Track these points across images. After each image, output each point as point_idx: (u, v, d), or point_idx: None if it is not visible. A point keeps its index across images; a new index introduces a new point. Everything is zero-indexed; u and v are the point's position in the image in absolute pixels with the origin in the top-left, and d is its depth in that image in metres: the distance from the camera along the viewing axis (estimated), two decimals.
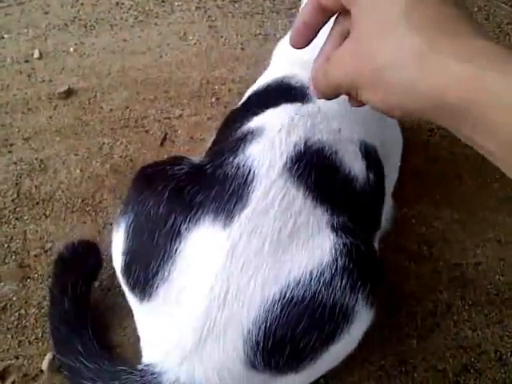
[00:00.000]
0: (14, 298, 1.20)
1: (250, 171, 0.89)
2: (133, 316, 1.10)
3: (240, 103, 1.22)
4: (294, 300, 0.82)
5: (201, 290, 0.83)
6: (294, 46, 0.77)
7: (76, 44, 1.68)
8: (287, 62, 1.18)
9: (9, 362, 1.12)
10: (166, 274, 0.86)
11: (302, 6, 0.84)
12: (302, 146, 0.93)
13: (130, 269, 0.91)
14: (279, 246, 0.84)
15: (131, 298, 0.94)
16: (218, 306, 0.82)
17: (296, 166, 0.90)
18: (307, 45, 0.76)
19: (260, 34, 1.70)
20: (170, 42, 1.69)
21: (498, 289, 1.24)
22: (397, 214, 1.29)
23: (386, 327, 1.17)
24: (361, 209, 0.99)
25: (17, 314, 1.18)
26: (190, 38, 1.69)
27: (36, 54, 1.64)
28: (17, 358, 1.13)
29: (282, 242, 0.85)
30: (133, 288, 0.91)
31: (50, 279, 1.20)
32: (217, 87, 1.57)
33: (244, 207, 0.86)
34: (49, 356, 1.11)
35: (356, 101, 0.67)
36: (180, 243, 0.86)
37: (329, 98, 0.75)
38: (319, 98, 0.76)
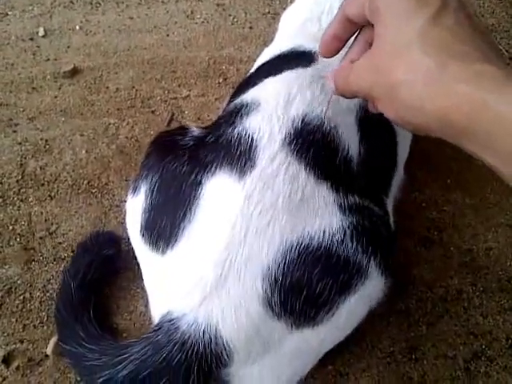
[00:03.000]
0: (19, 282, 1.19)
1: (252, 139, 0.91)
2: (138, 300, 1.13)
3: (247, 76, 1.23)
4: (310, 248, 0.84)
5: (223, 228, 0.85)
6: (324, 56, 0.81)
7: (81, 22, 1.66)
8: (292, 33, 1.22)
9: (13, 346, 1.12)
10: (193, 214, 0.89)
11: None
12: (300, 123, 0.93)
13: (154, 223, 0.93)
14: (292, 205, 0.86)
15: (151, 256, 0.95)
16: (239, 242, 0.84)
17: (295, 141, 0.91)
18: (336, 54, 0.79)
19: (269, 12, 1.67)
20: (178, 20, 1.66)
21: (509, 275, 1.22)
22: (406, 198, 1.28)
23: (395, 313, 1.16)
24: (365, 179, 0.99)
25: (21, 298, 1.17)
26: (198, 16, 1.67)
27: (41, 32, 1.62)
28: (21, 342, 1.12)
29: (294, 203, 0.86)
30: (156, 241, 0.93)
31: (55, 262, 1.21)
32: (224, 67, 1.55)
33: (254, 167, 0.88)
34: (53, 340, 1.10)
35: (373, 107, 0.70)
36: (202, 190, 0.89)
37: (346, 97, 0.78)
38: (336, 94, 0.79)
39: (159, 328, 0.87)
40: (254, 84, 1.04)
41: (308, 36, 1.16)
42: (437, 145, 1.39)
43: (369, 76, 0.66)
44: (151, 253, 0.94)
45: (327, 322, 0.87)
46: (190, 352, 0.83)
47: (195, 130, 1.02)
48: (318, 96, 0.97)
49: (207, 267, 0.84)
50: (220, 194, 0.89)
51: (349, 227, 0.87)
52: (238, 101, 1.02)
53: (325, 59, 0.90)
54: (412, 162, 1.26)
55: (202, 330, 0.83)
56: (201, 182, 0.90)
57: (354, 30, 0.75)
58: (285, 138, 0.90)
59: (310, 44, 1.11)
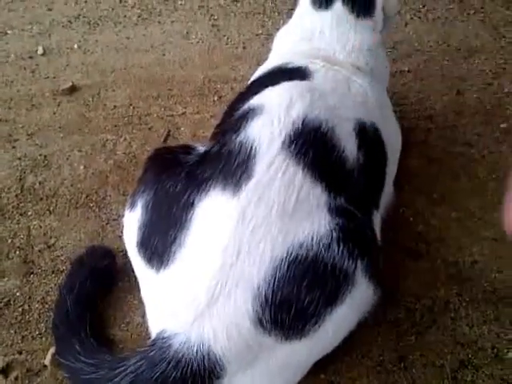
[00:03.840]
0: (18, 294, 1.21)
1: (251, 147, 0.95)
2: (135, 311, 1.16)
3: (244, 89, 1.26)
4: (299, 258, 0.88)
5: (215, 251, 0.88)
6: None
7: (80, 41, 1.70)
8: (285, 51, 1.26)
9: (12, 357, 1.13)
10: (183, 239, 0.92)
11: None
12: (300, 124, 0.97)
13: (148, 240, 0.97)
14: (285, 213, 0.90)
15: (147, 271, 0.98)
16: (230, 264, 0.87)
17: (295, 144, 0.95)
18: None
19: (262, 33, 1.72)
20: (173, 40, 1.70)
21: (494, 286, 1.25)
22: (395, 212, 1.31)
23: (385, 323, 1.19)
24: (356, 185, 1.03)
25: (20, 310, 1.19)
26: (193, 36, 1.71)
27: (40, 51, 1.66)
28: (20, 353, 1.14)
29: (287, 210, 0.90)
30: (150, 259, 0.96)
31: (54, 275, 1.23)
32: (219, 86, 1.59)
33: (249, 178, 0.92)
34: (51, 351, 1.12)
35: None
36: (193, 213, 0.93)
37: None
38: None
39: (153, 344, 0.91)
40: (256, 93, 1.08)
41: (301, 54, 1.20)
42: (424, 163, 1.43)
43: None
44: (147, 268, 0.97)
45: (315, 334, 0.90)
46: (184, 370, 0.87)
47: (201, 148, 1.06)
48: (316, 101, 1.02)
49: (199, 290, 0.88)
50: (212, 214, 0.92)
51: (335, 229, 0.91)
52: (245, 106, 1.05)
53: (319, 77, 1.02)
54: (400, 178, 1.30)
55: (195, 348, 0.87)
56: (193, 203, 0.94)
57: None
58: (284, 141, 0.95)
59: (302, 61, 1.16)
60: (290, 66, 1.16)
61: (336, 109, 1.04)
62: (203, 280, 0.88)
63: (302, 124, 0.97)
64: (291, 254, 0.88)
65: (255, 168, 0.92)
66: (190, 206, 0.94)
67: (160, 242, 0.95)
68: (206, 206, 0.93)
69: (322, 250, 0.89)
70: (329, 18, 1.23)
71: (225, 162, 0.95)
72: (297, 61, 1.16)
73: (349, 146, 1.02)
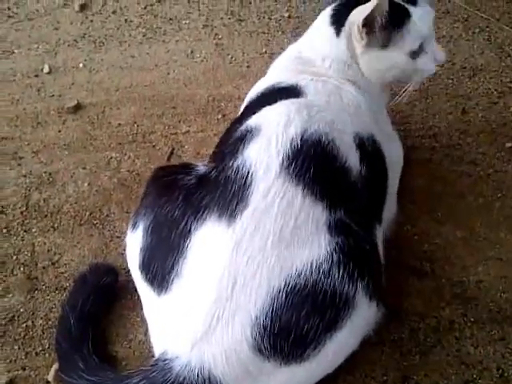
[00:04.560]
0: (22, 310, 1.21)
1: (248, 173, 0.95)
2: (138, 328, 1.16)
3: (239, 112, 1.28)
4: (297, 288, 0.88)
5: (210, 282, 0.89)
6: None
7: (85, 60, 1.71)
8: (277, 70, 1.28)
9: (15, 372, 1.13)
10: (180, 268, 0.93)
11: None
12: (299, 141, 0.97)
13: (149, 264, 0.98)
14: (282, 242, 0.90)
15: (148, 293, 0.99)
16: (226, 296, 0.88)
17: (293, 163, 0.95)
18: None
19: (266, 52, 1.73)
20: (178, 59, 1.72)
21: (499, 306, 1.24)
22: (399, 230, 1.31)
23: (388, 343, 1.18)
24: (358, 199, 1.03)
25: (24, 326, 1.19)
26: (197, 55, 1.72)
27: (46, 69, 1.67)
28: (23, 369, 1.14)
29: (284, 238, 0.90)
30: (151, 282, 0.98)
31: (57, 291, 1.23)
32: (223, 104, 1.60)
33: (245, 208, 0.92)
34: (55, 367, 1.11)
35: None
36: (190, 241, 0.94)
37: None
38: None
39: (155, 364, 0.92)
40: (253, 113, 1.08)
41: (289, 69, 1.22)
42: (428, 180, 1.43)
43: None
44: (149, 290, 0.98)
45: (315, 358, 0.91)
46: None
47: (201, 168, 1.06)
48: (314, 115, 1.02)
49: (197, 318, 0.89)
50: (208, 245, 0.92)
51: (335, 250, 0.90)
52: (243, 127, 1.05)
53: (312, 93, 1.06)
54: (404, 196, 1.30)
55: (195, 372, 0.88)
56: (190, 230, 0.94)
57: None
58: (282, 162, 0.94)
59: (293, 78, 1.16)
60: (283, 84, 1.16)
61: (334, 123, 1.04)
62: (200, 311, 0.89)
63: (301, 140, 0.97)
64: (289, 283, 0.88)
65: (251, 196, 0.92)
66: (187, 233, 0.94)
67: (160, 268, 0.96)
68: (202, 235, 0.93)
69: (322, 276, 0.89)
70: (317, 31, 1.25)
71: (221, 190, 0.96)
72: (288, 78, 1.17)
73: (351, 157, 1.03)
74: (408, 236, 1.34)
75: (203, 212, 0.95)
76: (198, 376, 0.88)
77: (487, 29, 1.80)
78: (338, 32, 1.18)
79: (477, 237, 1.35)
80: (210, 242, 0.92)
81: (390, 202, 1.20)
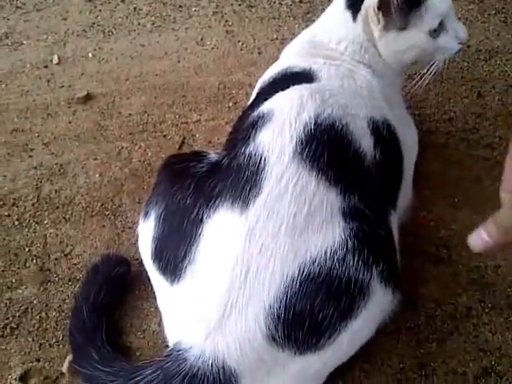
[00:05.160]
0: (35, 302, 1.21)
1: (261, 159, 0.93)
2: (152, 318, 1.16)
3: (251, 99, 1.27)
4: (312, 276, 0.87)
5: (223, 271, 0.88)
6: None
7: (95, 49, 1.70)
8: (289, 54, 1.27)
9: (30, 364, 1.13)
10: (193, 257, 0.92)
11: None
12: (313, 125, 0.96)
13: (161, 253, 0.98)
14: (295, 229, 0.88)
15: (161, 282, 0.98)
16: (239, 285, 0.87)
17: (307, 148, 0.93)
18: None
19: (277, 38, 1.71)
20: (188, 46, 1.70)
21: None
22: (415, 216, 1.29)
23: (405, 330, 1.16)
24: (372, 185, 1.02)
25: (38, 318, 1.19)
26: (208, 42, 1.71)
27: (55, 60, 1.67)
28: (38, 360, 1.14)
29: (298, 225, 0.89)
30: (164, 271, 0.97)
31: (70, 283, 1.23)
32: (234, 92, 1.59)
33: (258, 194, 0.90)
34: (69, 358, 1.11)
35: None
36: (203, 230, 0.93)
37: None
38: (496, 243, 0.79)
39: (169, 355, 0.91)
40: (266, 99, 1.07)
41: (309, 53, 1.20)
42: (444, 166, 1.41)
43: None
44: (162, 279, 0.98)
45: (330, 347, 0.90)
46: (200, 383, 0.87)
47: (213, 156, 1.05)
48: (327, 100, 1.00)
49: (210, 307, 0.88)
50: (221, 233, 0.91)
51: (350, 237, 0.89)
52: (255, 113, 1.04)
53: (325, 78, 1.05)
54: (420, 181, 1.28)
55: (209, 362, 0.87)
56: (202, 219, 0.93)
57: None
58: (296, 147, 0.93)
59: (305, 62, 1.15)
60: (296, 69, 1.15)
61: (347, 107, 1.02)
62: (213, 299, 0.88)
63: (315, 124, 0.96)
64: (303, 271, 0.87)
65: (264, 182, 0.91)
66: (199, 222, 0.93)
67: (172, 257, 0.95)
68: (215, 224, 0.92)
69: (336, 263, 0.88)
70: (332, 16, 1.24)
71: (234, 177, 0.94)
72: (300, 62, 1.16)
73: (365, 142, 1.01)
74: (424, 222, 1.32)
75: (215, 200, 0.93)
76: (212, 366, 0.87)
77: (503, 10, 1.77)
78: (354, 16, 1.16)
79: None
80: (223, 230, 0.91)
81: (406, 187, 1.19)
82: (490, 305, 1.21)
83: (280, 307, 0.86)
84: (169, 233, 0.97)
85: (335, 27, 1.20)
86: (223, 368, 0.87)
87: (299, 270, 0.86)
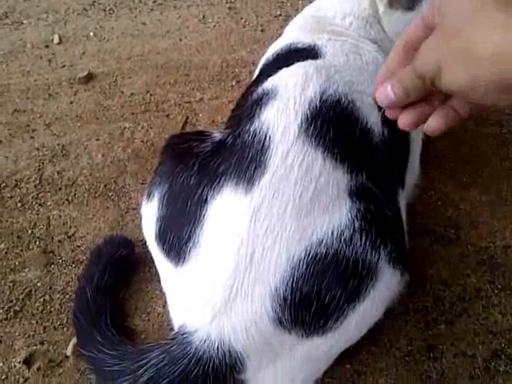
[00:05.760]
0: (39, 284, 1.20)
1: (265, 137, 0.91)
2: (156, 301, 1.16)
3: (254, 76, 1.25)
4: (318, 257, 0.84)
5: (228, 252, 0.86)
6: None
7: (95, 28, 1.68)
8: (293, 29, 1.24)
9: (34, 347, 1.12)
10: (197, 238, 0.90)
11: None
12: (318, 102, 0.93)
13: (165, 235, 0.95)
14: (301, 209, 0.86)
15: (166, 264, 0.96)
16: (245, 266, 0.85)
17: (312, 125, 0.91)
18: None
19: (280, 15, 1.68)
20: (190, 24, 1.68)
21: None
22: (422, 195, 1.28)
23: (413, 312, 1.15)
24: (380, 163, 1.00)
25: (41, 300, 1.18)
26: (210, 20, 1.68)
27: (56, 39, 1.65)
28: (42, 343, 1.13)
29: (304, 205, 0.87)
30: (168, 252, 0.95)
31: (74, 265, 1.22)
32: (237, 70, 1.56)
33: (263, 174, 0.88)
34: (73, 341, 1.10)
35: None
36: (207, 210, 0.90)
37: (408, 97, 0.75)
38: (399, 101, 0.75)
39: (174, 338, 0.90)
40: (269, 75, 1.04)
41: (314, 29, 1.17)
42: (453, 144, 1.39)
43: (437, 49, 0.66)
44: (166, 261, 0.96)
45: (337, 330, 0.88)
46: (206, 367, 0.86)
47: (217, 135, 1.02)
48: (333, 76, 0.98)
49: (215, 290, 0.86)
50: (225, 214, 0.89)
51: (357, 217, 0.87)
52: (259, 89, 1.02)
53: (330, 54, 1.02)
54: (428, 161, 1.27)
55: (215, 346, 0.86)
56: (206, 199, 0.91)
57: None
58: (301, 124, 0.91)
59: (309, 38, 1.13)
60: (300, 45, 1.13)
61: (353, 84, 1.00)
62: (218, 281, 0.86)
63: (320, 101, 0.94)
64: (309, 252, 0.85)
65: (269, 161, 0.89)
66: (203, 202, 0.91)
67: (176, 238, 0.93)
68: (219, 204, 0.90)
69: (343, 245, 0.85)
70: None
71: (238, 156, 0.92)
72: (304, 38, 1.14)
73: (372, 118, 0.99)
74: (432, 201, 1.31)
75: (220, 180, 0.91)
76: (217, 350, 0.86)
77: None
78: None
79: (503, 201, 1.32)
80: (228, 211, 0.89)
81: (413, 165, 1.17)
82: (499, 286, 1.19)
83: (286, 289, 0.84)
84: (173, 214, 0.95)
85: (340, 2, 1.18)
86: (229, 351, 0.86)
87: (305, 252, 0.85)
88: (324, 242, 0.85)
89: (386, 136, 1.01)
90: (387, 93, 0.74)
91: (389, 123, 1.01)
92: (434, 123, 0.73)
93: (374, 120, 0.99)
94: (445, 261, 1.23)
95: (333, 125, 0.92)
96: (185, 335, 0.88)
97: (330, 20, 1.17)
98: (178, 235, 0.93)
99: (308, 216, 0.86)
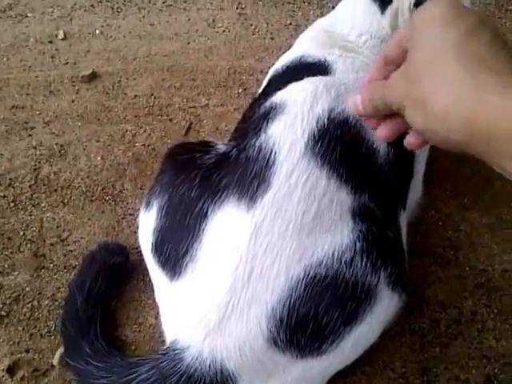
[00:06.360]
0: (28, 289, 1.18)
1: (271, 153, 0.90)
2: (149, 311, 1.14)
3: (262, 86, 1.24)
4: (317, 278, 0.84)
5: (226, 269, 0.85)
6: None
7: (102, 26, 1.66)
8: (304, 41, 1.23)
9: (19, 355, 1.10)
10: (194, 253, 0.89)
11: None
12: (326, 120, 0.93)
13: (162, 246, 0.94)
14: (303, 228, 0.85)
15: (160, 277, 0.95)
16: (242, 285, 0.84)
17: (319, 143, 0.90)
18: None
19: (291, 24, 1.66)
20: (199, 28, 1.66)
21: None
22: (423, 215, 1.27)
23: (409, 333, 1.14)
24: (384, 183, 0.99)
25: (29, 306, 1.16)
26: (219, 25, 1.66)
27: (60, 35, 1.63)
28: (27, 351, 1.11)
29: (306, 225, 0.86)
30: (164, 265, 0.94)
31: (65, 270, 1.20)
32: (244, 77, 1.54)
33: (266, 190, 0.87)
34: (60, 350, 1.08)
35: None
36: (207, 225, 0.89)
37: (377, 113, 0.75)
38: (367, 114, 0.76)
39: (166, 353, 0.89)
40: (278, 88, 1.04)
41: (326, 43, 1.16)
42: (455, 164, 1.37)
43: (403, 86, 0.66)
44: (161, 274, 0.95)
45: (332, 352, 0.87)
46: None
47: (221, 147, 1.01)
48: (342, 94, 0.97)
49: (210, 307, 0.85)
50: (225, 229, 0.88)
51: (359, 238, 0.87)
52: (267, 103, 1.01)
53: (340, 70, 1.02)
54: (430, 180, 1.25)
55: (207, 364, 0.85)
56: (206, 213, 0.90)
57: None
58: (308, 142, 0.90)
59: (320, 52, 1.12)
60: (310, 59, 1.12)
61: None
62: (214, 298, 0.85)
63: (328, 119, 0.93)
64: (309, 273, 0.84)
65: (273, 178, 0.88)
66: (203, 216, 0.90)
67: (173, 251, 0.92)
68: (220, 219, 0.89)
69: (344, 266, 0.85)
70: (355, 6, 1.19)
71: (242, 171, 0.91)
72: (315, 52, 1.13)
73: None
74: (432, 221, 1.30)
75: (221, 194, 0.90)
76: (209, 368, 0.85)
77: None
78: (383, 9, 1.12)
79: (504, 224, 1.30)
80: (228, 227, 0.88)
81: (416, 184, 1.16)
82: (495, 310, 1.18)
83: (283, 310, 0.83)
84: (171, 226, 0.94)
85: (356, 18, 1.16)
86: (221, 370, 0.85)
87: (305, 272, 0.84)
88: (324, 262, 0.85)
89: (392, 156, 1.00)
90: (356, 103, 0.75)
91: (394, 143, 1.00)
92: (412, 139, 0.72)
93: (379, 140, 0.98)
94: (443, 282, 1.21)
95: (339, 144, 0.91)
96: (176, 351, 0.87)
97: (344, 36, 1.16)
98: (175, 248, 0.91)
99: (309, 236, 0.86)
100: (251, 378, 0.87)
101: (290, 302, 0.83)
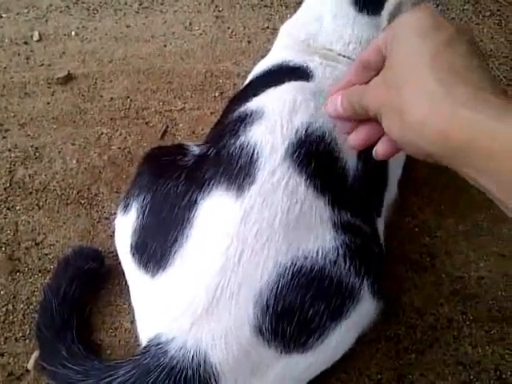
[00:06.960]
0: (2, 292, 1.16)
1: (253, 151, 0.91)
2: (124, 316, 1.13)
3: (241, 88, 1.23)
4: (304, 270, 0.85)
5: (217, 250, 0.85)
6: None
7: (78, 28, 1.64)
8: (285, 47, 1.20)
9: None
10: (184, 238, 0.89)
11: None
12: (303, 133, 0.93)
13: (144, 246, 0.93)
14: (289, 224, 0.86)
15: (140, 277, 0.94)
16: (232, 265, 0.84)
17: (297, 153, 0.91)
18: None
19: (268, 27, 1.66)
20: (175, 30, 1.64)
21: (500, 305, 1.21)
22: (400, 221, 1.28)
23: (384, 340, 1.15)
24: (359, 196, 0.99)
25: (4, 310, 1.15)
26: (196, 27, 1.65)
27: (35, 36, 1.60)
28: (2, 355, 1.10)
29: (291, 221, 0.86)
30: (146, 264, 0.93)
31: (40, 274, 1.19)
32: (221, 81, 1.53)
33: (252, 183, 0.88)
34: (35, 355, 1.07)
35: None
36: (196, 210, 0.90)
37: (356, 116, 0.76)
38: (346, 115, 0.77)
39: (147, 351, 0.87)
40: (255, 94, 1.03)
41: (305, 51, 1.14)
42: (432, 171, 1.38)
43: (380, 94, 0.67)
44: (141, 274, 0.93)
45: (317, 348, 0.87)
46: (177, 377, 0.83)
47: (195, 149, 1.02)
48: (320, 108, 0.96)
49: (199, 291, 0.84)
50: (216, 214, 0.88)
51: (341, 246, 0.88)
52: (242, 109, 1.01)
53: (320, 78, 1.03)
54: (406, 187, 1.25)
55: (191, 355, 0.83)
56: (196, 201, 0.90)
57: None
58: (288, 149, 0.90)
59: (301, 58, 1.10)
60: (291, 64, 1.11)
61: None
62: (203, 280, 0.84)
63: (305, 132, 0.93)
64: (296, 264, 0.85)
65: (258, 173, 0.88)
66: (192, 204, 0.90)
67: (158, 246, 0.91)
68: (209, 205, 0.89)
69: (328, 264, 0.86)
70: (329, 7, 1.16)
71: (226, 165, 0.91)
72: (296, 58, 1.11)
73: (350, 155, 0.98)
74: (409, 227, 1.30)
75: (209, 184, 0.91)
76: (192, 359, 0.83)
77: (498, 13, 1.73)
78: (373, 16, 1.11)
79: (479, 231, 1.31)
80: (218, 212, 0.88)
81: (391, 189, 1.16)
82: (471, 317, 1.19)
83: (271, 295, 0.83)
84: (156, 222, 0.94)
85: (339, 28, 1.13)
86: (204, 363, 0.83)
87: (292, 262, 0.85)
88: (309, 258, 0.86)
89: (362, 170, 1.00)
90: (337, 104, 0.76)
91: (364, 157, 1.01)
92: (381, 148, 0.74)
93: (352, 155, 0.99)
94: (419, 288, 1.22)
95: (314, 159, 0.92)
96: (159, 346, 0.86)
97: (328, 43, 1.13)
98: (162, 242, 0.91)
99: (295, 231, 0.86)
100: (235, 374, 0.86)
101: (278, 287, 0.83)
